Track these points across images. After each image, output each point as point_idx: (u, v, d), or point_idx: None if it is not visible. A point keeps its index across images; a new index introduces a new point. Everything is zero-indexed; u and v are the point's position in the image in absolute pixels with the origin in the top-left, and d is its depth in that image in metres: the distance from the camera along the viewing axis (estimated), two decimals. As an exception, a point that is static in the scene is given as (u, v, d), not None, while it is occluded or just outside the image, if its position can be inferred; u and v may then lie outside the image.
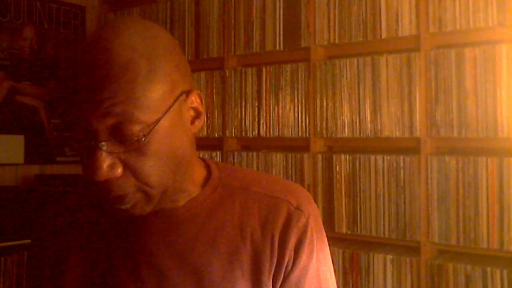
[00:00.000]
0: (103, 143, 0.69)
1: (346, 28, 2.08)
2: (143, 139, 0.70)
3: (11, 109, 2.64)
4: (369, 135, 2.01)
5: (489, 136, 1.77)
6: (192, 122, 0.78)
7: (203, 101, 0.80)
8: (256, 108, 2.32)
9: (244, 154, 2.34)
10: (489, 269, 1.72)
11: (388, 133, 1.97)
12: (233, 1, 2.41)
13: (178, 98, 0.74)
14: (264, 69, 2.30)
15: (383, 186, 1.96)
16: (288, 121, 2.22)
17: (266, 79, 2.30)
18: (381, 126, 1.98)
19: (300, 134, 2.19)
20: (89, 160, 0.70)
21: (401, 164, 1.92)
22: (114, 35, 0.72)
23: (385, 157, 1.96)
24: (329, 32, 2.13)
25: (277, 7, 2.27)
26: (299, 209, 0.82)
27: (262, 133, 2.30)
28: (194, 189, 0.82)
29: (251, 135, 2.34)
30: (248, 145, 2.48)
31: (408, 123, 1.92)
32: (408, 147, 1.99)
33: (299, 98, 2.19)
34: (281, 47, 2.27)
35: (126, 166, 0.71)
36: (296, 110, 2.20)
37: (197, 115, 0.79)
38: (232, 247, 0.79)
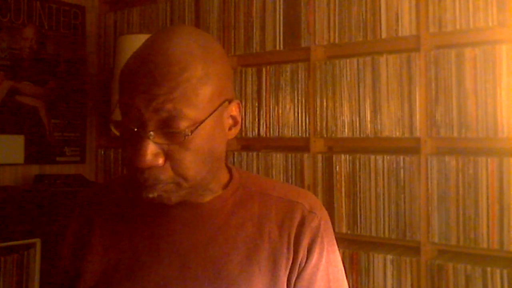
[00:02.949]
0: (152, 133, 0.75)
1: (346, 28, 2.08)
2: (189, 134, 0.75)
3: (11, 109, 2.64)
4: (369, 135, 2.01)
5: (489, 136, 1.77)
6: (229, 129, 0.84)
7: (241, 110, 0.86)
8: (256, 108, 2.32)
9: (244, 154, 2.34)
10: (489, 269, 1.72)
11: (388, 133, 1.97)
12: (233, 1, 2.41)
13: (222, 103, 0.80)
14: (264, 69, 2.30)
15: (383, 186, 1.96)
16: (288, 121, 2.22)
17: (266, 79, 2.30)
18: (381, 126, 1.98)
19: (300, 134, 2.19)
20: (135, 147, 0.75)
21: (401, 164, 1.92)
22: (175, 38, 0.78)
23: (385, 157, 1.96)
24: (329, 32, 2.13)
25: (277, 7, 2.27)
26: (312, 212, 0.89)
27: (262, 133, 2.30)
28: (217, 189, 0.88)
29: (251, 135, 2.34)
30: (248, 145, 2.48)
31: (408, 123, 1.92)
32: (408, 147, 1.99)
33: (299, 98, 2.19)
34: (281, 47, 2.27)
35: (168, 158, 0.76)
36: (296, 110, 2.20)
37: (234, 123, 0.85)
38: (250, 244, 0.85)
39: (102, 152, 2.93)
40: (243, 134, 2.35)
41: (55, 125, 2.82)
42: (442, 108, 1.86)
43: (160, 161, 0.75)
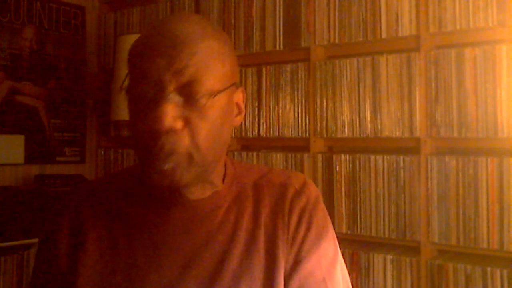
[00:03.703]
0: (171, 94, 0.73)
1: (346, 28, 2.08)
2: (208, 100, 0.75)
3: (11, 109, 2.64)
4: (369, 135, 2.01)
5: (489, 136, 1.77)
6: (235, 116, 0.85)
7: (245, 99, 0.87)
8: (256, 108, 2.32)
9: (244, 154, 2.34)
10: (489, 269, 1.72)
11: (388, 133, 1.97)
12: (233, 1, 2.41)
13: (233, 84, 0.82)
14: (264, 69, 2.30)
15: (383, 186, 1.96)
16: (288, 121, 2.22)
17: (266, 79, 2.29)
18: (381, 126, 1.98)
19: (300, 134, 2.19)
20: (152, 112, 0.73)
21: (401, 164, 1.92)
22: (187, 19, 0.79)
23: (385, 157, 1.96)
24: (329, 32, 2.13)
25: (277, 7, 2.27)
26: (301, 191, 0.89)
27: (262, 133, 2.30)
28: (217, 181, 0.87)
29: (251, 135, 2.34)
30: (248, 145, 2.48)
31: (408, 123, 1.92)
32: (408, 147, 1.99)
33: (299, 98, 2.19)
34: (281, 47, 2.27)
35: (186, 124, 0.75)
36: (296, 110, 2.20)
37: (239, 111, 0.85)
38: (248, 235, 0.84)
39: (102, 152, 2.93)
40: (243, 134, 2.36)
41: (55, 125, 2.82)
42: (442, 108, 1.85)
43: (179, 125, 0.74)
